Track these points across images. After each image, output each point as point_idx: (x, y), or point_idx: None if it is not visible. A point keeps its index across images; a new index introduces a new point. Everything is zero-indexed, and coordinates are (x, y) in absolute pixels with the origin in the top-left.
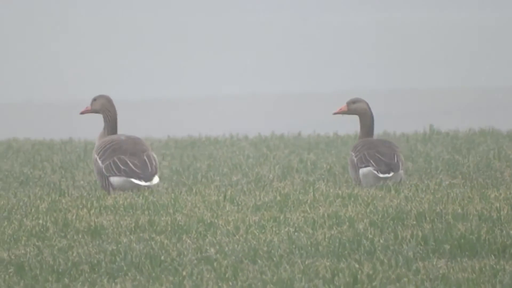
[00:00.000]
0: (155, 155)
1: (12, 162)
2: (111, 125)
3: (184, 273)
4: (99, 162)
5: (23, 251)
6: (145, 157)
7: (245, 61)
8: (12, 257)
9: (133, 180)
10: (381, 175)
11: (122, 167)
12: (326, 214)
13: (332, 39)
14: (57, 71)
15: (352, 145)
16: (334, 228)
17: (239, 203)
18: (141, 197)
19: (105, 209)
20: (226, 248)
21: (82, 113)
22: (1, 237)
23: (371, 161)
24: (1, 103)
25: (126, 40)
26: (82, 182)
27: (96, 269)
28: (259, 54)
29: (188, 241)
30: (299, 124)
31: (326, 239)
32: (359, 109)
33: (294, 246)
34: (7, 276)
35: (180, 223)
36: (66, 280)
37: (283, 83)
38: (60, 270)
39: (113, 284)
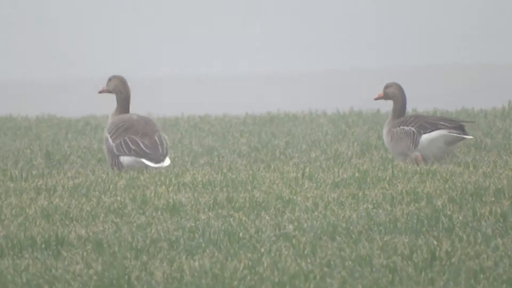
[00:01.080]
0: (166, 136)
1: (90, 139)
2: (122, 105)
3: (262, 250)
4: (110, 140)
5: (101, 228)
6: (156, 138)
7: (324, 37)
8: (91, 234)
9: (143, 160)
10: (465, 136)
11: (132, 147)
12: (404, 191)
13: (416, 14)
14: (137, 47)
15: (389, 123)
16: (412, 205)
17: (318, 180)
18: (219, 174)
19: (183, 186)
20: (305, 225)
21: (100, 92)
22: (79, 214)
23: (441, 123)
24: (80, 78)
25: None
26: None
27: (175, 246)
28: (336, 29)
29: (267, 217)
30: (378, 101)
31: (404, 216)
32: (390, 94)
33: (372, 223)
34: (85, 253)
35: (258, 200)
36: (145, 257)
37: (361, 58)
38: (138, 247)
39: (191, 261)
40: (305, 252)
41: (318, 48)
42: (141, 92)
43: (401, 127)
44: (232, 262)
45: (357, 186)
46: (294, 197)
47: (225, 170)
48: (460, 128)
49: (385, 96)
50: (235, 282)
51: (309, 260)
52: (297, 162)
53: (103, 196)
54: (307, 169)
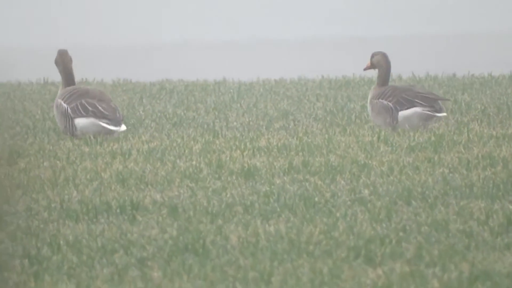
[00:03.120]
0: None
1: (165, 103)
2: (66, 78)
3: (337, 214)
4: (64, 104)
5: (176, 193)
6: (112, 104)
7: (396, 2)
8: (166, 198)
9: (101, 123)
10: (437, 114)
11: (90, 108)
12: (480, 155)
13: None
14: (215, 11)
15: (372, 92)
16: (488, 169)
17: (393, 144)
18: (295, 138)
19: (258, 151)
20: (380, 189)
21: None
22: (154, 179)
23: (417, 101)
24: (155, 43)
25: None
26: (235, 123)
27: (250, 211)
28: None
29: (342, 182)
30: (454, 65)
31: (480, 180)
32: (375, 62)
33: (448, 187)
34: (160, 218)
35: (333, 164)
36: (220, 222)
37: (438, 23)
38: (213, 212)
39: (267, 225)
40: (380, 217)
41: (396, 12)
42: (214, 56)
43: (380, 100)
44: (307, 227)
45: (432, 150)
46: (370, 161)
47: (300, 134)
48: (435, 105)
49: (372, 66)
50: (311, 247)
51: (384, 225)
52: (372, 126)
53: (178, 161)
54: (382, 133)
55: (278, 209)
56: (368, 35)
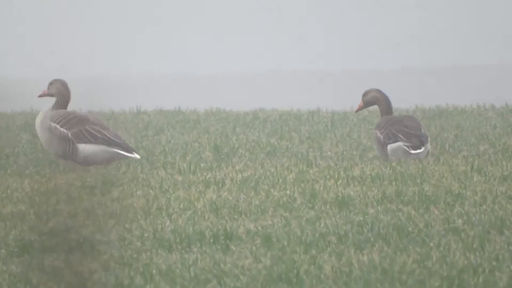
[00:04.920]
0: None
1: (259, 132)
2: (60, 104)
3: (431, 244)
4: (62, 129)
5: (270, 222)
6: (113, 131)
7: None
8: (260, 228)
9: (116, 150)
10: (412, 151)
11: (99, 135)
12: None
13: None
14: (305, 41)
15: (376, 124)
16: None
17: (487, 173)
18: (388, 168)
19: (352, 180)
20: (473, 219)
21: (40, 96)
22: (248, 208)
23: (400, 136)
24: (244, 72)
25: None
26: (329, 152)
27: (343, 240)
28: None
29: (436, 212)
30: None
31: None
32: (372, 99)
33: None
34: (254, 248)
35: (427, 193)
36: (314, 251)
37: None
38: (307, 241)
39: (360, 255)
40: (474, 246)
41: (488, 40)
42: (307, 85)
43: (375, 131)
44: (401, 257)
45: None
46: (463, 191)
47: (393, 164)
48: (417, 141)
49: (367, 104)
50: (404, 276)
51: (477, 254)
52: (466, 155)
53: (272, 190)
54: (476, 163)
55: (372, 239)
56: (453, 63)
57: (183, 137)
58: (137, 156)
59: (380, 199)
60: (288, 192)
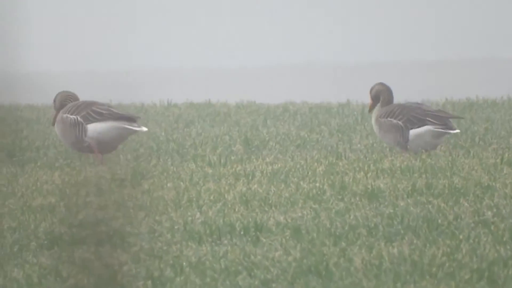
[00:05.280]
0: None
1: (289, 125)
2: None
3: (461, 236)
4: (71, 116)
5: (300, 214)
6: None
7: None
8: (289, 220)
9: (122, 124)
10: (450, 131)
11: (105, 112)
12: None
13: None
14: (337, 32)
15: (376, 112)
16: None
17: None
18: (418, 160)
19: (382, 172)
20: (504, 211)
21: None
22: (278, 200)
23: (429, 119)
24: (275, 65)
25: None
26: (359, 145)
27: (373, 233)
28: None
29: (465, 204)
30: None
31: None
32: (377, 93)
33: None
34: (284, 240)
35: (457, 186)
36: (343, 244)
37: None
38: (337, 234)
39: (390, 247)
40: (504, 239)
41: None
42: (337, 78)
43: (389, 118)
44: (430, 249)
45: None
46: (493, 183)
47: (423, 156)
48: (446, 123)
49: (374, 100)
50: (434, 269)
51: (508, 247)
52: (496, 148)
53: (301, 182)
54: (506, 155)
55: (402, 231)
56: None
57: (213, 130)
58: (144, 129)
59: (410, 192)
60: (317, 184)
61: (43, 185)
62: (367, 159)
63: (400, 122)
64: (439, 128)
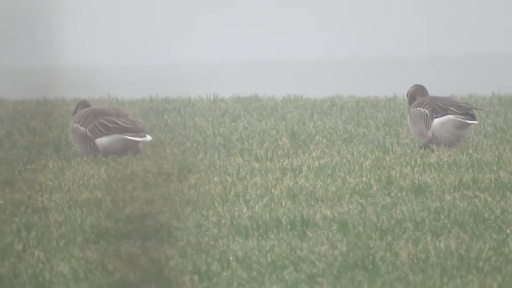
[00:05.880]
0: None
1: (336, 119)
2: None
3: (507, 230)
4: (81, 128)
5: (346, 209)
6: (131, 118)
7: None
8: (336, 214)
9: (126, 136)
10: (468, 121)
11: (111, 125)
12: None
13: None
14: (384, 27)
15: (412, 105)
16: None
17: None
18: (465, 155)
19: (428, 167)
20: None
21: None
22: (324, 194)
23: (451, 108)
24: (322, 59)
25: None
26: (406, 139)
27: (420, 227)
28: None
29: None
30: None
31: None
32: (413, 94)
33: None
34: (330, 234)
35: (504, 180)
36: (389, 238)
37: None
38: (383, 228)
39: (437, 241)
40: None
41: None
42: (384, 72)
43: (418, 108)
44: (477, 243)
45: None
46: None
47: (470, 151)
48: (468, 113)
49: (413, 103)
50: (480, 263)
51: None
52: None
53: (348, 177)
54: None
55: (449, 225)
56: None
57: (260, 124)
58: (148, 138)
59: (456, 186)
60: (364, 179)
61: (90, 179)
62: (414, 153)
63: (426, 111)
64: (460, 118)
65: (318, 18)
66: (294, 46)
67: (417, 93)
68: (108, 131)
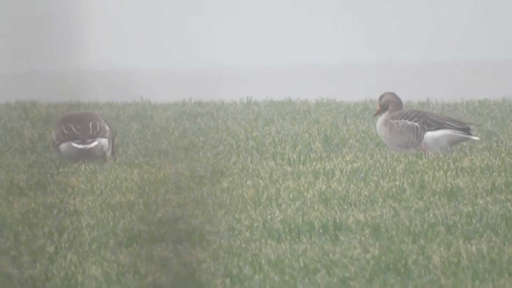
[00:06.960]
0: (106, 126)
1: (369, 123)
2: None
3: None
4: (53, 134)
5: (379, 213)
6: (90, 124)
7: None
8: (368, 218)
9: (71, 143)
10: (472, 137)
11: (66, 132)
12: None
13: None
14: (419, 31)
15: (387, 115)
16: None
17: None
18: (497, 159)
19: (461, 171)
20: None
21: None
22: (357, 198)
23: (448, 123)
24: (355, 63)
25: None
26: None
27: (452, 231)
28: None
29: None
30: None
31: None
32: (386, 102)
33: None
34: (363, 238)
35: None
36: (422, 242)
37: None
38: (416, 232)
39: (469, 245)
40: None
41: None
42: (416, 77)
43: (403, 120)
44: (509, 247)
45: None
46: None
47: (503, 155)
48: (466, 129)
49: (383, 108)
50: None
51: None
52: None
53: (381, 181)
54: None
55: (480, 229)
56: None
57: (293, 127)
58: (90, 146)
59: (489, 190)
60: (397, 183)
61: (122, 182)
62: (447, 157)
63: (416, 124)
64: (458, 133)
65: (352, 23)
66: (327, 50)
67: (390, 103)
68: (63, 137)
